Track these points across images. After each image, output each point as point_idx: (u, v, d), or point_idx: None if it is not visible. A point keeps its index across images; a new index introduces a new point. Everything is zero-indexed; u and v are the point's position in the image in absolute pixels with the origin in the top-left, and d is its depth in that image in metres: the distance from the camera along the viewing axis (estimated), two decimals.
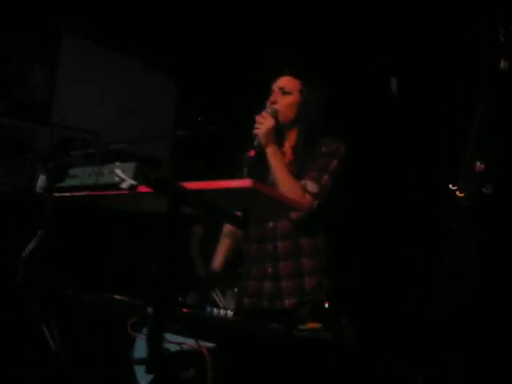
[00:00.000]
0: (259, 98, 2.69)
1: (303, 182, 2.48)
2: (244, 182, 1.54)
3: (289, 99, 2.62)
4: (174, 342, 1.72)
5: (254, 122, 2.51)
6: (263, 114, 2.51)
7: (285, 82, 2.66)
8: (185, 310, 1.88)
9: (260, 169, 2.55)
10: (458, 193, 1.82)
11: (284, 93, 2.62)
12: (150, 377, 1.70)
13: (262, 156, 2.52)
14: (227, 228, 2.74)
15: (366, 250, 3.80)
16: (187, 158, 5.20)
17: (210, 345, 1.72)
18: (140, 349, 2.03)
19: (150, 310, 1.87)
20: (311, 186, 2.46)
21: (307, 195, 2.44)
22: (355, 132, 3.30)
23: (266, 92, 2.70)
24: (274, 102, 2.61)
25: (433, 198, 3.16)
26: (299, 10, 4.38)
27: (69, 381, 2.05)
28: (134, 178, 1.64)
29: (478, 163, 1.81)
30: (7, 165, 4.48)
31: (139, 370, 2.09)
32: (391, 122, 3.90)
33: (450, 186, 1.87)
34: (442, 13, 3.73)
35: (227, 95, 5.05)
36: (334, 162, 2.55)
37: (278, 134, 2.60)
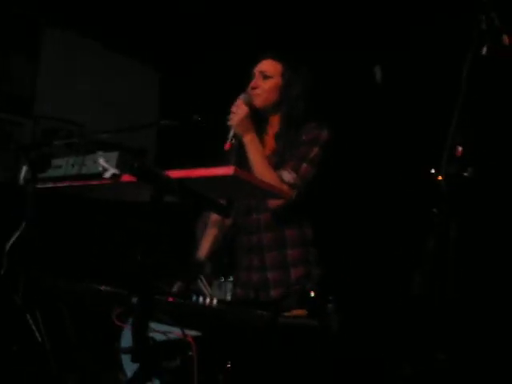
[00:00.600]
0: (243, 86, 2.66)
1: (280, 172, 2.42)
2: (226, 170, 1.53)
3: (270, 83, 2.56)
4: (160, 331, 1.72)
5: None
6: (237, 102, 2.46)
7: (266, 65, 2.59)
8: (170, 298, 1.88)
9: (243, 157, 2.53)
10: (439, 177, 1.83)
11: (265, 77, 2.56)
12: (136, 366, 1.70)
13: (241, 145, 2.49)
14: (213, 217, 2.72)
15: (351, 238, 3.80)
16: (172, 148, 5.19)
17: (196, 333, 1.73)
18: (127, 338, 2.04)
19: (134, 299, 1.88)
20: (288, 176, 2.40)
21: (284, 186, 2.38)
22: (339, 118, 3.28)
23: (249, 80, 2.66)
24: (254, 87, 2.55)
25: (415, 183, 3.16)
26: None
27: (55, 371, 2.04)
28: (117, 167, 1.64)
29: (459, 147, 1.81)
30: None
31: (126, 360, 2.10)
32: (375, 108, 3.90)
33: (432, 170, 1.87)
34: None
35: (210, 84, 5.03)
36: (315, 150, 2.47)
37: (260, 120, 2.57)
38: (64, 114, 4.92)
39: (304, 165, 2.44)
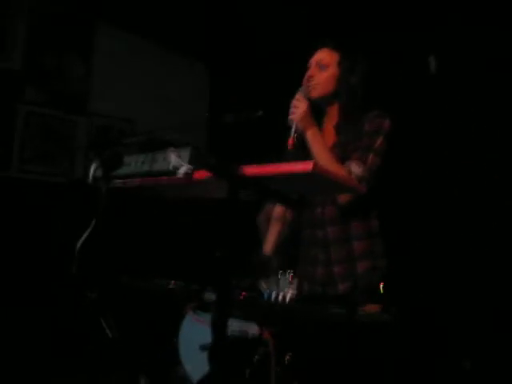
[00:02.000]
0: (295, 83, 2.62)
1: (347, 164, 2.36)
2: (305, 165, 1.51)
3: (326, 73, 2.50)
4: (236, 327, 1.72)
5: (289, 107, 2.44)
6: (296, 97, 2.39)
7: (322, 55, 2.53)
8: (244, 295, 1.87)
9: (303, 154, 2.49)
10: None
11: (321, 67, 2.50)
12: (201, 362, 1.70)
13: (302, 142, 2.44)
14: (276, 212, 2.70)
15: (418, 229, 3.72)
16: (223, 146, 5.19)
17: (272, 330, 1.72)
18: (189, 333, 2.04)
19: (208, 295, 1.88)
20: (356, 168, 2.33)
21: (354, 179, 2.30)
22: (400, 107, 3.21)
23: (303, 75, 2.61)
24: (310, 77, 2.49)
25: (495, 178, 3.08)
26: None
27: (124, 368, 2.06)
28: (190, 163, 1.63)
29: None
30: (47, 155, 4.52)
31: (188, 354, 2.10)
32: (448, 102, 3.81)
33: None
34: None
35: (261, 81, 5.01)
36: (380, 140, 2.40)
37: (317, 112, 2.50)
38: (116, 111, 4.97)
39: (370, 156, 2.37)
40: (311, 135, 2.38)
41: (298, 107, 2.37)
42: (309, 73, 2.53)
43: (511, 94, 3.52)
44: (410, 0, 3.96)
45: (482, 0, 3.67)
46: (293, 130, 2.38)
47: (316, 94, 2.49)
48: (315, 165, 1.50)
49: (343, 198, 2.38)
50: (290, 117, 2.38)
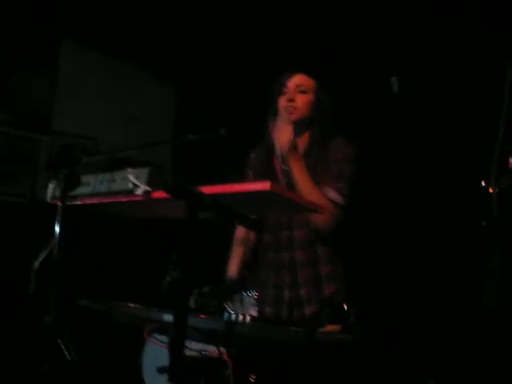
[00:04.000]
0: (260, 103, 2.64)
1: (324, 189, 2.40)
2: (263, 185, 1.51)
3: (306, 98, 2.54)
4: (195, 349, 1.70)
5: (267, 125, 2.46)
6: (278, 125, 2.39)
7: (301, 80, 2.57)
8: (203, 316, 1.85)
9: (268, 171, 2.50)
10: (490, 189, 1.79)
11: (301, 91, 2.55)
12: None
13: (267, 158, 2.46)
14: (239, 234, 2.70)
15: (389, 248, 3.75)
16: (189, 164, 5.18)
17: (231, 351, 1.70)
18: (152, 355, 2.02)
19: (166, 317, 1.86)
20: (333, 195, 2.40)
21: (331, 206, 2.37)
22: (367, 134, 3.26)
23: (266, 97, 2.63)
24: (291, 99, 2.52)
25: (463, 195, 3.12)
26: (297, 11, 4.36)
27: None
28: (148, 184, 1.62)
29: (510, 159, 1.78)
30: (9, 175, 4.44)
31: (150, 376, 2.07)
32: (417, 119, 3.87)
33: (482, 182, 1.83)
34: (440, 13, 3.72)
35: (227, 99, 5.03)
36: (349, 168, 2.48)
37: None
38: (81, 130, 4.92)
39: (344, 185, 2.43)
40: (294, 161, 2.39)
41: (283, 133, 2.37)
42: (289, 95, 2.54)
43: (473, 113, 3.58)
44: (370, 22, 4.02)
45: (442, 20, 3.75)
46: (277, 153, 2.40)
47: (297, 116, 2.51)
48: (272, 185, 1.51)
49: (319, 225, 2.39)
50: (277, 143, 2.38)
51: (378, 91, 3.99)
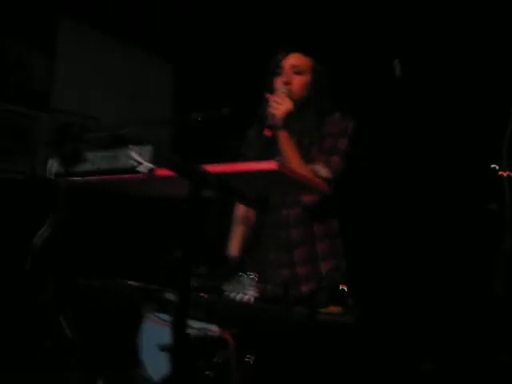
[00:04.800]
0: (256, 81, 2.61)
1: (314, 166, 2.38)
2: (270, 164, 1.49)
3: (302, 79, 2.50)
4: (196, 327, 1.69)
5: (264, 101, 2.42)
6: (280, 95, 2.38)
7: (296, 60, 2.51)
8: (205, 295, 1.85)
9: (266, 150, 2.47)
10: (501, 172, 1.77)
11: (297, 72, 2.50)
12: (162, 363, 1.67)
13: (264, 138, 2.42)
14: (239, 213, 2.68)
15: (391, 232, 3.74)
16: (188, 142, 5.14)
17: (233, 330, 1.70)
18: (149, 335, 2.02)
19: (168, 295, 1.85)
20: (322, 170, 2.36)
21: (320, 180, 2.32)
22: (368, 114, 3.23)
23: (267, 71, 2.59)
24: (287, 82, 2.47)
25: (474, 179, 3.09)
26: None
27: (82, 368, 2.02)
28: (151, 161, 1.61)
29: None
30: (7, 151, 4.41)
31: (149, 356, 2.07)
32: (426, 103, 3.83)
33: (492, 165, 1.81)
34: None
35: (225, 78, 4.99)
36: (344, 142, 2.44)
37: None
38: (79, 108, 4.88)
39: (335, 158, 2.40)
40: (285, 135, 2.37)
41: (282, 104, 2.35)
42: (285, 77, 2.50)
43: (473, 98, 3.56)
44: (374, 3, 3.98)
45: (445, 4, 3.71)
46: (270, 122, 2.35)
47: (294, 98, 2.45)
48: (279, 164, 1.49)
49: (308, 199, 2.39)
50: (273, 110, 2.35)
51: (380, 73, 3.96)
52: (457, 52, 3.67)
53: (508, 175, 1.76)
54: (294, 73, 2.50)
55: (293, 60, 2.52)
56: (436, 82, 3.78)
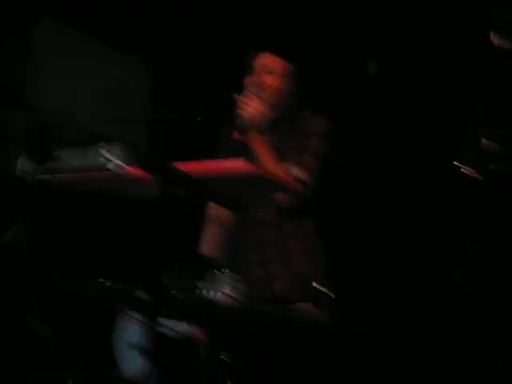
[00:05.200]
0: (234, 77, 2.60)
1: (287, 166, 2.36)
2: (240, 163, 1.49)
3: (273, 79, 2.49)
4: (168, 326, 1.69)
5: (233, 102, 2.41)
6: (249, 95, 2.36)
7: (268, 60, 2.51)
8: (176, 293, 1.84)
9: (239, 152, 2.46)
10: (463, 169, 1.78)
11: (268, 72, 2.49)
12: (136, 363, 1.67)
13: (234, 140, 2.41)
14: (212, 212, 2.67)
15: (364, 229, 3.76)
16: (164, 141, 5.13)
17: (204, 329, 1.70)
18: (128, 333, 2.01)
19: (140, 294, 1.84)
20: (296, 171, 2.35)
21: (294, 180, 2.33)
22: (340, 112, 3.25)
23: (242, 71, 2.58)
24: (258, 83, 2.46)
25: (435, 175, 3.11)
26: None
27: (56, 367, 2.01)
28: (121, 159, 1.60)
29: (483, 139, 1.77)
30: None
31: (126, 355, 2.06)
32: (389, 102, 3.86)
33: (455, 162, 1.83)
34: None
35: (203, 78, 4.98)
36: (318, 141, 2.44)
37: None
38: (54, 105, 4.83)
39: (310, 158, 2.40)
40: (256, 137, 2.36)
41: (250, 105, 2.33)
42: (255, 77, 2.49)
43: (450, 98, 3.59)
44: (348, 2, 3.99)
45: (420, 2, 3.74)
46: (238, 124, 2.34)
47: (265, 98, 2.42)
48: (248, 163, 1.49)
49: (282, 199, 2.38)
50: (241, 112, 2.33)
51: (353, 72, 3.98)
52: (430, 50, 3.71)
53: (469, 172, 1.78)
54: (265, 72, 2.49)
55: (263, 60, 2.52)
56: (407, 80, 3.81)
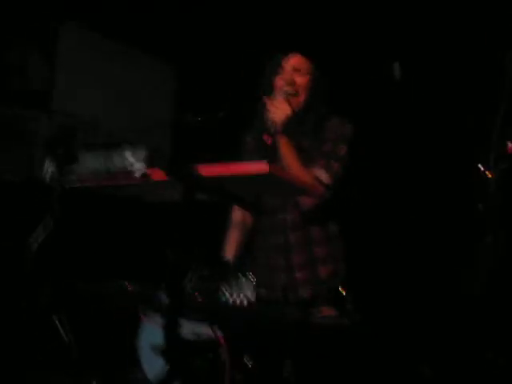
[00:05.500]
0: (255, 84, 2.61)
1: (314, 170, 2.37)
2: (261, 167, 1.49)
3: (303, 80, 2.48)
4: (190, 329, 1.69)
5: (262, 106, 2.42)
6: (278, 98, 2.37)
7: (297, 61, 2.50)
8: (199, 298, 1.84)
9: (266, 157, 2.46)
10: (488, 173, 1.76)
11: (296, 71, 2.48)
12: (159, 365, 1.68)
13: (264, 144, 2.42)
14: (236, 216, 2.68)
15: (386, 234, 3.74)
16: (188, 146, 5.15)
17: (227, 333, 1.69)
18: (149, 335, 2.02)
19: (163, 297, 1.85)
20: (321, 175, 2.36)
21: (319, 185, 2.33)
22: (365, 117, 3.24)
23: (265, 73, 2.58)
24: (291, 83, 2.45)
25: (459, 179, 3.08)
26: None
27: (79, 371, 2.02)
28: (145, 163, 1.62)
29: (509, 143, 1.75)
30: (6, 153, 4.41)
31: (147, 357, 2.07)
32: (417, 104, 3.84)
33: (480, 166, 1.81)
34: None
35: (227, 80, 4.99)
36: (343, 147, 2.44)
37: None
38: (80, 110, 4.88)
39: (335, 163, 2.40)
40: (285, 141, 2.36)
41: (281, 108, 2.34)
42: (288, 78, 2.48)
43: (473, 101, 3.56)
44: (375, 6, 3.98)
45: (446, 7, 3.72)
46: (271, 129, 2.35)
47: (295, 99, 2.44)
48: (271, 166, 1.49)
49: (306, 203, 2.39)
50: (271, 116, 2.34)
51: (378, 76, 3.96)
52: (452, 54, 3.68)
53: (494, 176, 1.75)
54: (295, 73, 2.49)
55: (293, 61, 2.51)
56: (429, 84, 3.78)
